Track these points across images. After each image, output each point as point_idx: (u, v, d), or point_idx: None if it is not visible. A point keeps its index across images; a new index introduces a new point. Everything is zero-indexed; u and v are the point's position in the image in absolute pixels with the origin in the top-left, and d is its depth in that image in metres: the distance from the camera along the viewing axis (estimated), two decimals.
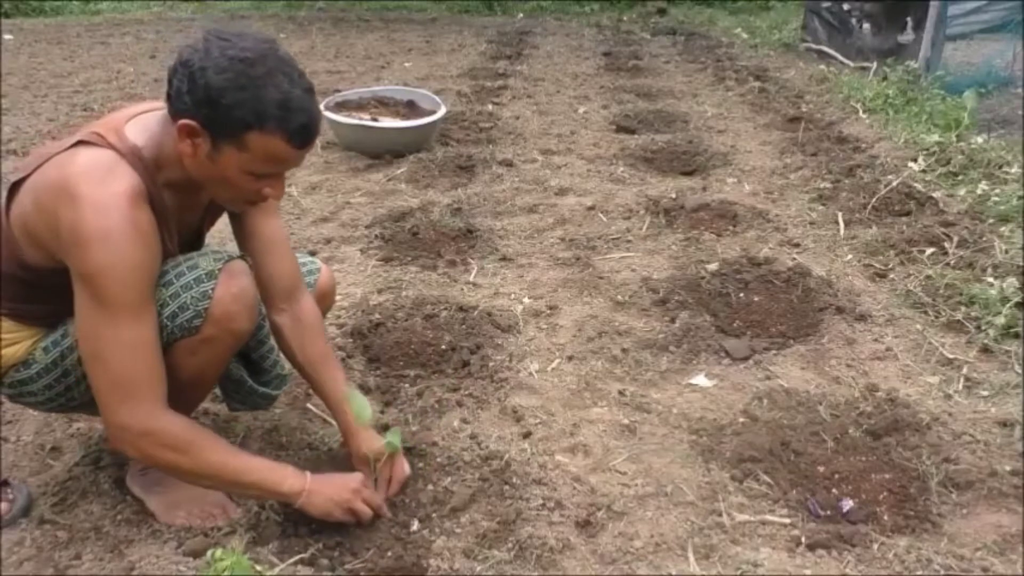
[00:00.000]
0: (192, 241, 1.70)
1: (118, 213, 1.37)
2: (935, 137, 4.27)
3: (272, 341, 1.75)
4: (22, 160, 1.58)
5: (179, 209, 1.58)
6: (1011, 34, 5.85)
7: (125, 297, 1.39)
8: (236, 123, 1.36)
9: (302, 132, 1.40)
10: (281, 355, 1.78)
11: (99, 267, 1.36)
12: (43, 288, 1.51)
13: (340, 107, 4.61)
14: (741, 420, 2.05)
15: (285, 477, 1.55)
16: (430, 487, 1.80)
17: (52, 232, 1.40)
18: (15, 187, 1.48)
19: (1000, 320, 2.45)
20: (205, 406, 2.07)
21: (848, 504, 1.75)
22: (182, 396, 1.60)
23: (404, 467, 1.75)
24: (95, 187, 1.37)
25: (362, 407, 1.66)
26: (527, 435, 1.98)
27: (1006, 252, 2.91)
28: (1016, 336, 2.42)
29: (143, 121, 1.50)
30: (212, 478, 1.52)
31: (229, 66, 1.34)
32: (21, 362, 1.58)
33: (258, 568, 1.46)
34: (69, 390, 1.61)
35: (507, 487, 1.77)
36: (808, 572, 1.55)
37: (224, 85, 1.34)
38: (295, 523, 1.65)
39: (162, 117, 1.47)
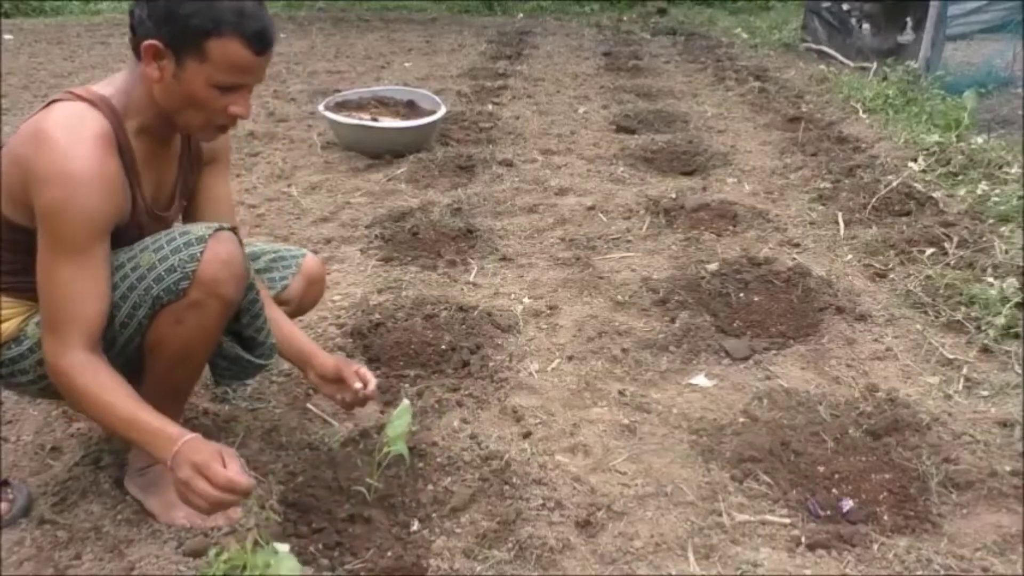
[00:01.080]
0: (167, 206, 1.71)
1: (83, 157, 1.43)
2: (935, 137, 4.27)
3: (265, 313, 1.72)
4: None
5: (151, 159, 1.61)
6: (1011, 34, 5.85)
7: (73, 238, 1.44)
8: (195, 32, 1.42)
9: (259, 37, 1.46)
10: (269, 324, 1.75)
11: (54, 205, 1.42)
12: (29, 254, 1.52)
13: (340, 107, 4.61)
14: (741, 420, 2.05)
15: (159, 433, 1.44)
16: (430, 487, 1.80)
17: (18, 174, 1.45)
18: None
19: (1000, 320, 2.45)
20: (205, 406, 2.07)
21: (848, 504, 1.75)
22: (171, 375, 1.60)
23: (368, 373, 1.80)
24: (64, 132, 1.43)
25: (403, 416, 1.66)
26: (527, 435, 1.98)
27: (1006, 252, 2.91)
28: (1016, 336, 2.42)
29: (109, 78, 1.58)
30: (105, 424, 1.55)
31: None
32: (12, 339, 1.58)
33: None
34: None
35: (507, 487, 1.78)
36: (808, 572, 1.55)
37: None
38: (295, 523, 1.65)
39: (127, 68, 1.55)
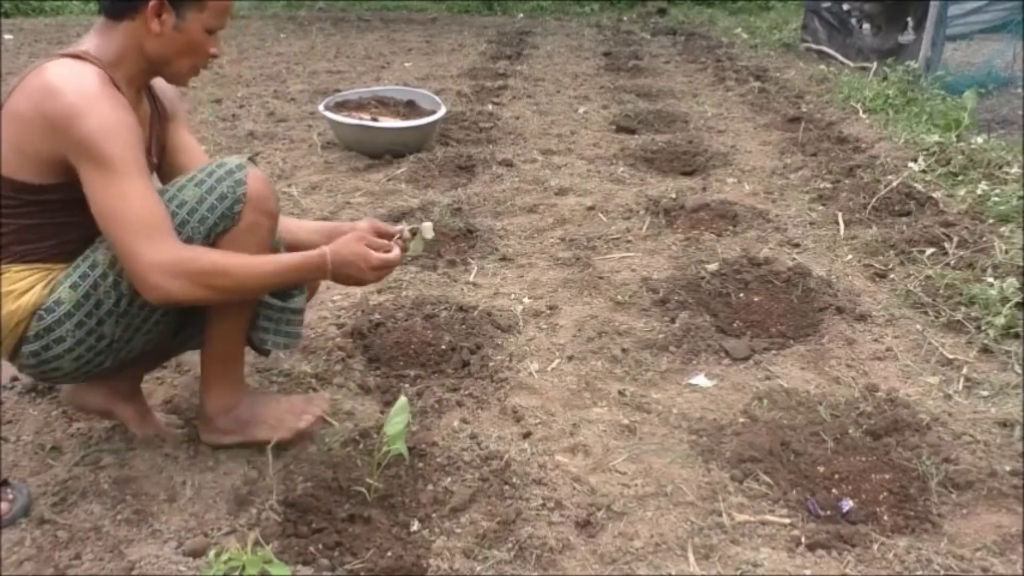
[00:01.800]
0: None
1: (97, 88, 1.52)
2: (935, 137, 4.27)
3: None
4: None
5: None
6: (1011, 34, 5.85)
7: (126, 154, 1.51)
8: None
9: None
10: None
11: (96, 131, 1.48)
12: (50, 211, 1.58)
13: (340, 107, 4.61)
14: (741, 420, 2.05)
15: (309, 256, 1.68)
16: (430, 487, 1.80)
17: (46, 132, 1.50)
18: None
19: (1000, 320, 2.45)
20: None
21: (848, 504, 1.75)
22: (236, 305, 1.71)
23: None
24: (71, 79, 1.51)
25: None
26: (527, 435, 1.98)
27: (1006, 252, 2.91)
28: (1016, 336, 2.42)
29: (77, 42, 1.64)
30: (255, 282, 1.63)
31: None
32: (44, 308, 1.58)
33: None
34: (101, 324, 1.62)
35: (507, 487, 1.78)
36: (808, 572, 1.55)
37: None
38: (295, 523, 1.65)
39: (95, 30, 1.63)
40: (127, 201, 1.50)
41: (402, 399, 1.69)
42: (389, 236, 1.94)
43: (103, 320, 1.62)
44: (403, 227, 1.95)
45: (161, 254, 1.50)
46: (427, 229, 1.95)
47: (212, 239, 1.62)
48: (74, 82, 1.51)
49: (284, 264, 1.65)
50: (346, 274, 1.71)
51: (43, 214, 1.58)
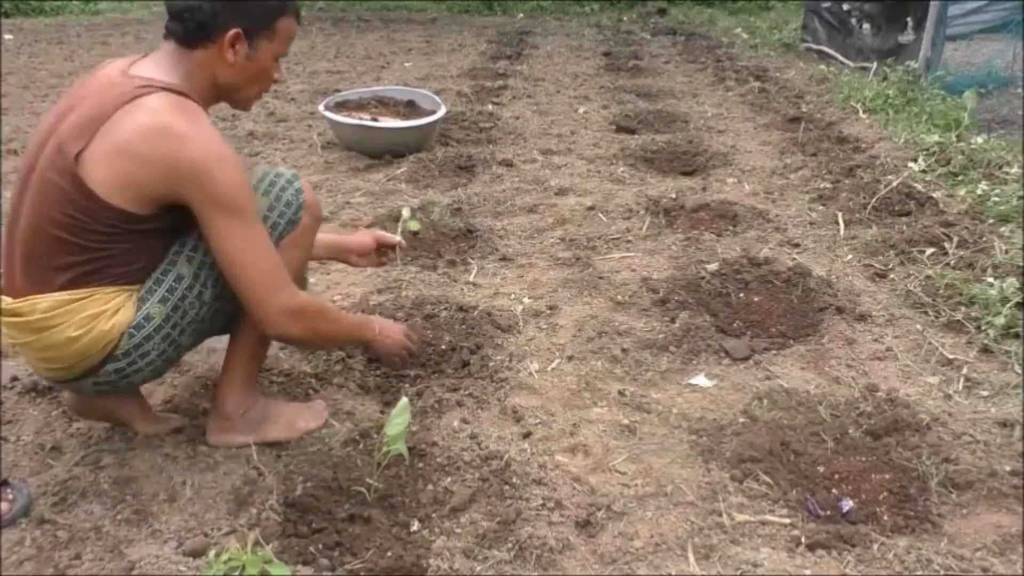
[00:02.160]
0: None
1: (216, 137, 1.62)
2: (935, 137, 4.27)
3: None
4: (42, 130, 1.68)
5: None
6: (1011, 34, 5.85)
7: (251, 203, 1.65)
8: (269, 15, 1.70)
9: (298, 11, 1.80)
10: None
11: (228, 185, 1.58)
12: (145, 237, 1.65)
13: (340, 107, 4.61)
14: (741, 420, 2.05)
15: (369, 323, 2.05)
16: (430, 487, 1.80)
17: (170, 177, 1.57)
18: (76, 158, 1.56)
19: (1000, 320, 2.45)
20: (205, 405, 2.07)
21: (848, 504, 1.75)
22: None
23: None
24: (187, 122, 1.58)
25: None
26: (527, 435, 1.98)
27: (1006, 252, 2.91)
28: (1016, 336, 2.42)
29: (146, 68, 1.67)
30: (344, 335, 1.96)
31: None
32: (133, 326, 1.65)
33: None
34: (182, 334, 1.74)
35: (507, 487, 1.77)
36: (808, 572, 1.55)
37: None
38: (295, 523, 1.65)
39: (165, 56, 1.68)
40: (256, 248, 1.64)
41: (403, 400, 1.69)
42: (391, 246, 2.22)
43: (184, 330, 1.74)
44: (400, 239, 2.29)
45: (287, 299, 1.69)
46: (411, 223, 2.41)
47: (278, 242, 1.77)
48: (194, 130, 1.57)
49: (356, 322, 2.05)
50: (385, 347, 2.07)
51: (138, 240, 1.64)
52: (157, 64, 1.67)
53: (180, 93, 1.62)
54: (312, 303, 1.80)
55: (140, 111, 1.56)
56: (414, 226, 2.03)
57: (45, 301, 1.60)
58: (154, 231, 1.65)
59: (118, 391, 1.79)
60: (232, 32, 1.65)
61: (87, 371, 1.68)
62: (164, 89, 1.60)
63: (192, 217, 1.62)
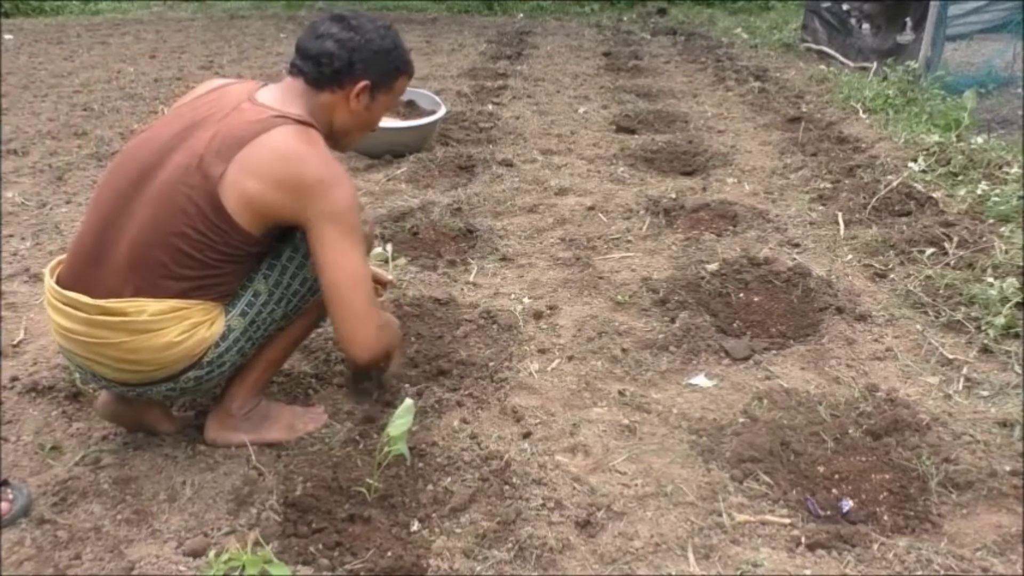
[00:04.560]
0: None
1: (336, 161, 1.72)
2: (935, 137, 4.27)
3: None
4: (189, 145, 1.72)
5: None
6: (1011, 34, 5.85)
7: (360, 224, 1.72)
8: (394, 72, 1.85)
9: (413, 71, 1.95)
10: None
11: (345, 204, 1.68)
12: (249, 258, 1.74)
13: None
14: (741, 420, 2.05)
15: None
16: (430, 487, 1.80)
17: (288, 190, 1.65)
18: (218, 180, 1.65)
19: (1000, 320, 2.45)
20: (206, 404, 2.07)
21: (848, 504, 1.75)
22: (306, 317, 1.92)
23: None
24: (311, 147, 1.69)
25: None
26: (527, 435, 1.98)
27: (1006, 252, 2.91)
28: (1016, 336, 2.42)
29: (274, 99, 1.76)
30: (395, 344, 2.09)
31: (385, 33, 1.83)
32: (220, 336, 1.73)
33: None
34: (253, 345, 1.83)
35: (507, 487, 1.78)
36: (808, 572, 1.55)
37: (388, 47, 1.82)
38: (295, 523, 1.65)
39: (294, 93, 1.79)
40: (364, 271, 1.74)
41: (408, 401, 1.69)
42: (383, 284, 2.23)
43: (254, 344, 1.82)
44: (392, 278, 2.38)
45: (377, 315, 1.80)
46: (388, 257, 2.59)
47: None
48: (317, 153, 1.68)
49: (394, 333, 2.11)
50: (397, 364, 2.21)
51: (246, 262, 1.74)
52: (284, 96, 1.78)
53: (309, 125, 1.73)
54: (388, 320, 1.98)
55: (275, 138, 1.66)
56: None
57: (156, 305, 1.65)
58: (257, 255, 1.76)
59: (184, 396, 1.87)
60: (362, 84, 1.79)
61: (168, 376, 1.72)
62: (297, 121, 1.71)
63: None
